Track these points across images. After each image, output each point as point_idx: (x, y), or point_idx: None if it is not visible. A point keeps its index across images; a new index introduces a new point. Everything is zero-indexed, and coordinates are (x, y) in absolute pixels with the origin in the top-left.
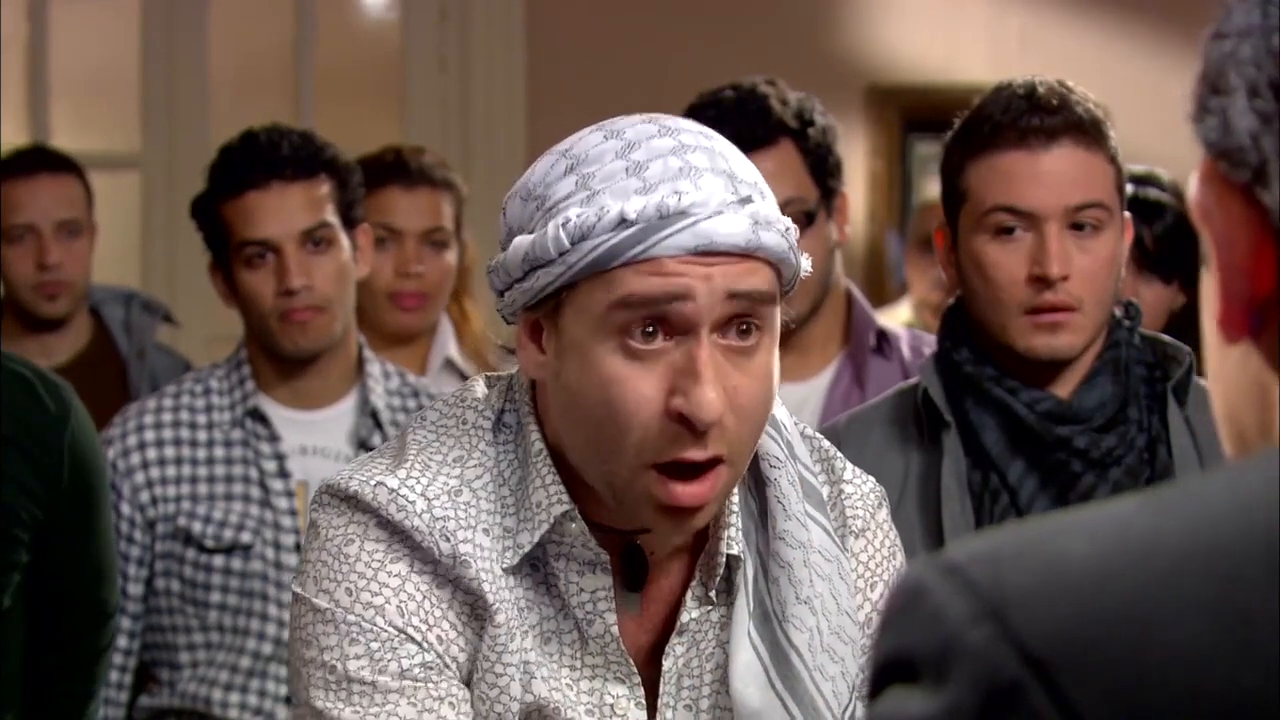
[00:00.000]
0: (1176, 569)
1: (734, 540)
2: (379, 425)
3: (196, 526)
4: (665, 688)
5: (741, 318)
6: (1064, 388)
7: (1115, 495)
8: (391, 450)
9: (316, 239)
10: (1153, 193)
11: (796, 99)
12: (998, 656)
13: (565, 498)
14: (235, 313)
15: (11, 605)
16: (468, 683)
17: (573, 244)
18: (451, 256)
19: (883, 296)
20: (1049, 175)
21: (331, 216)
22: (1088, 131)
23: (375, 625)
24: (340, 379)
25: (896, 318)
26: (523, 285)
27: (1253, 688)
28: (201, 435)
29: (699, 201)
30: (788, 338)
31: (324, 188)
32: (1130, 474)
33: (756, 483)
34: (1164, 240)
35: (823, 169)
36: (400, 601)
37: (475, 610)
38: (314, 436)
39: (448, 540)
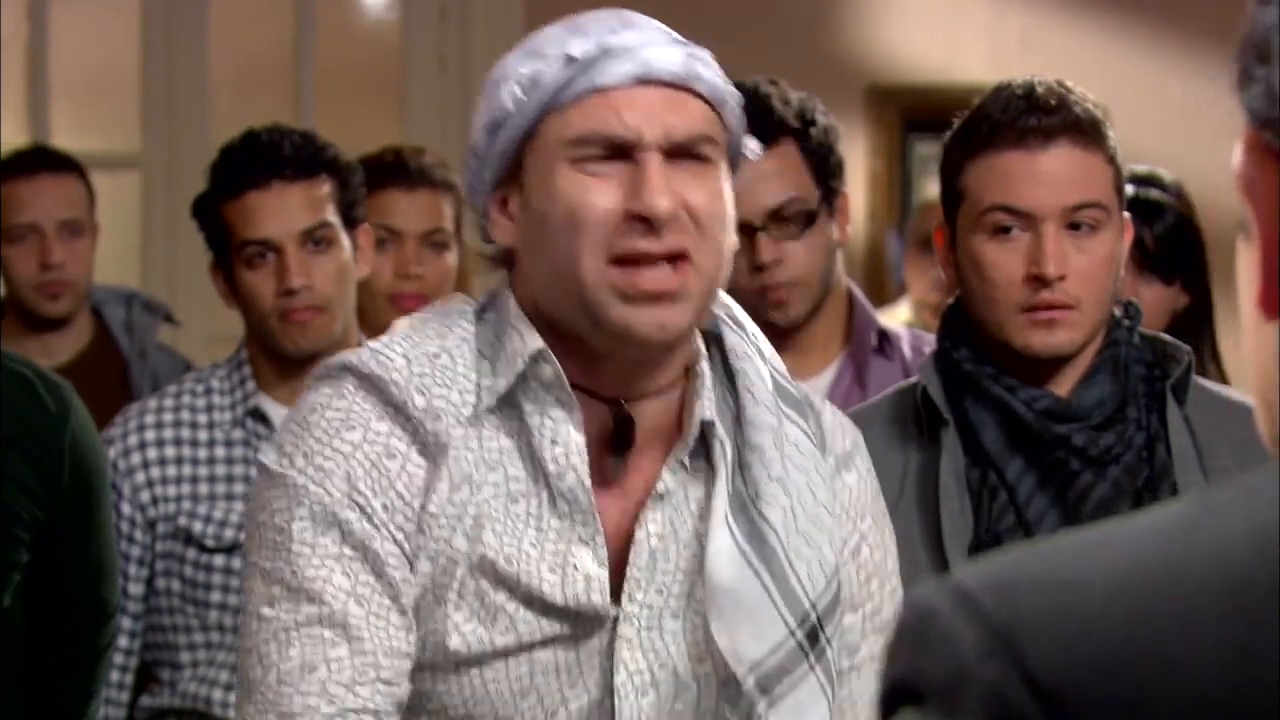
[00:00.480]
0: (1189, 604)
1: (708, 408)
2: None
3: (197, 526)
4: (635, 560)
5: (686, 148)
6: (1063, 386)
7: (1114, 494)
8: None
9: (317, 239)
10: (1154, 193)
11: (798, 99)
12: (1008, 689)
13: (538, 340)
14: (236, 313)
15: (12, 605)
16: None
17: (525, 94)
18: (452, 258)
19: (883, 296)
20: (1046, 175)
21: (332, 216)
22: (1085, 131)
23: (323, 488)
24: None
25: (896, 318)
26: (489, 153)
27: None
28: (202, 435)
29: (637, 38)
30: (789, 338)
31: (325, 188)
32: (1129, 472)
33: (729, 376)
34: (1165, 240)
35: (824, 169)
36: (349, 468)
37: (435, 475)
38: None
39: (423, 394)
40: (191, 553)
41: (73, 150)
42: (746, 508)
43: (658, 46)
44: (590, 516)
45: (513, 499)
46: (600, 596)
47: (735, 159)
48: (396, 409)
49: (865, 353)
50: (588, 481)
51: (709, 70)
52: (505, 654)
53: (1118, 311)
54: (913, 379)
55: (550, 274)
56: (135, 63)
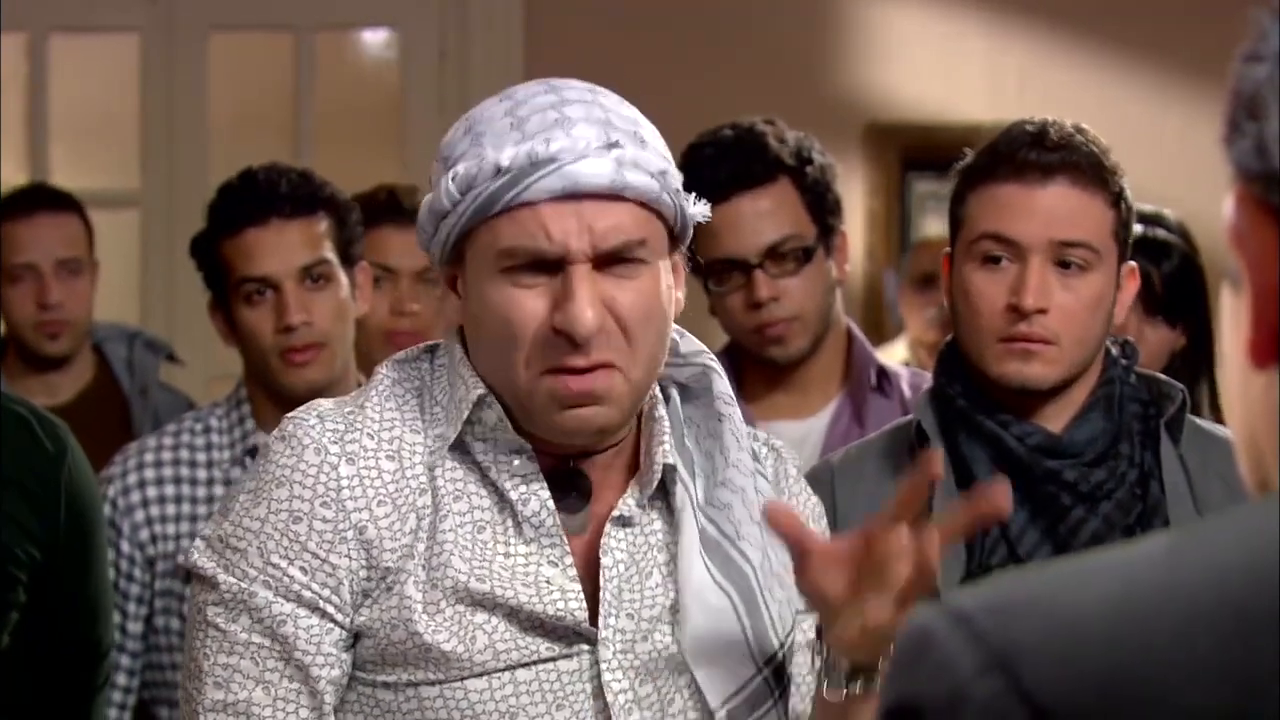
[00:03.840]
0: (1186, 626)
1: (668, 452)
2: None
3: None
4: (606, 585)
5: (615, 255)
6: (1056, 422)
7: (1106, 530)
8: None
9: (315, 276)
10: (1160, 233)
11: (795, 137)
12: (1004, 707)
13: (481, 385)
14: (234, 351)
15: (8, 645)
16: (365, 594)
17: (461, 194)
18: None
19: (881, 335)
20: (1039, 209)
21: (330, 253)
22: (1085, 172)
23: (233, 573)
24: None
25: (892, 356)
26: (436, 239)
27: None
28: (201, 474)
29: (566, 148)
30: (787, 375)
31: (322, 225)
32: (1121, 508)
33: (712, 418)
34: (1171, 281)
35: (821, 207)
36: (260, 543)
37: (376, 520)
38: None
39: (337, 443)
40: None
41: (72, 189)
42: (722, 545)
43: (586, 159)
44: (558, 539)
45: (479, 528)
46: (579, 611)
47: (682, 234)
48: (303, 471)
49: (864, 391)
50: (551, 504)
51: (639, 173)
52: (487, 673)
53: (1115, 350)
54: (908, 417)
55: (490, 367)
56: (135, 102)
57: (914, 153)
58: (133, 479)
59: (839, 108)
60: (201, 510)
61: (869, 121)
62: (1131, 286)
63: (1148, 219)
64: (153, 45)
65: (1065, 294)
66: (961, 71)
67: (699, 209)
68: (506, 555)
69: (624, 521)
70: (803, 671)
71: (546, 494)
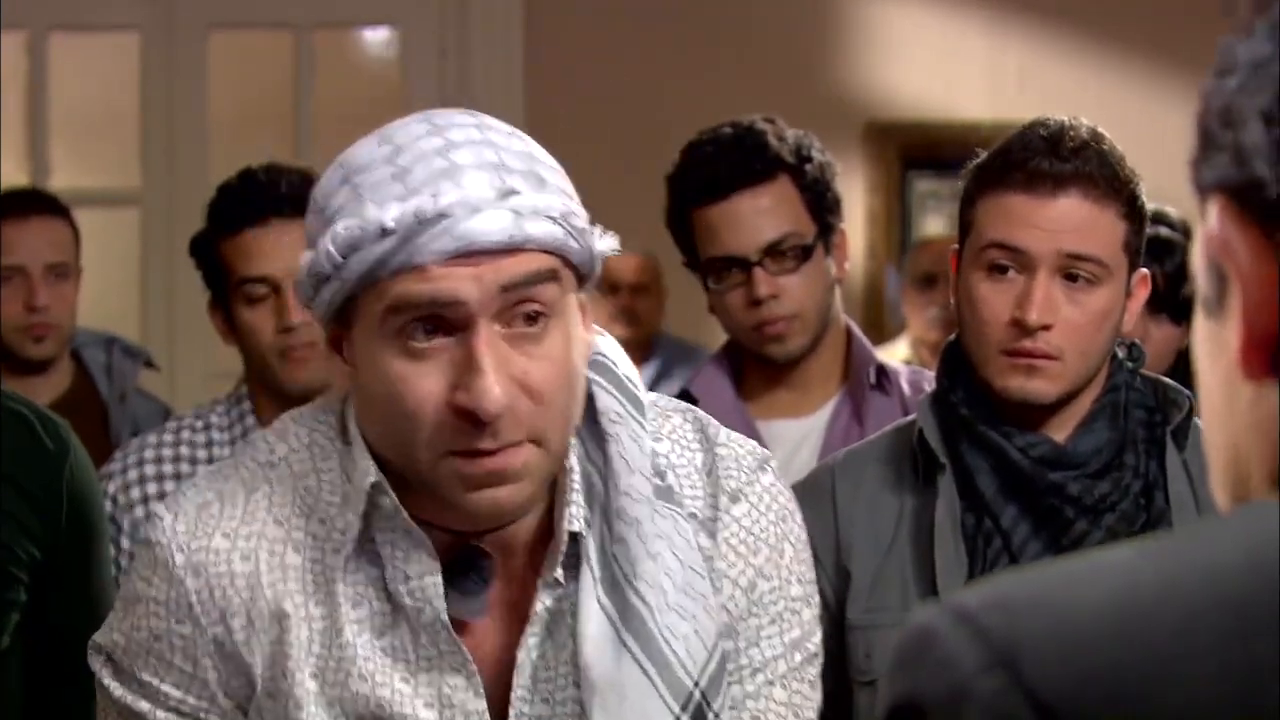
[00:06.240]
0: (1187, 623)
1: (575, 517)
2: None
3: None
4: (519, 681)
5: (521, 304)
6: (1061, 431)
7: (1109, 541)
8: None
9: None
10: (1163, 231)
11: (794, 135)
12: (1008, 706)
13: (374, 470)
14: (234, 350)
15: (10, 644)
16: (247, 699)
17: (344, 257)
18: None
19: (882, 333)
20: (1049, 221)
21: None
22: (1098, 184)
23: (119, 678)
24: None
25: (894, 355)
26: (316, 300)
27: None
28: (201, 471)
29: (457, 201)
30: (786, 373)
31: None
32: (1125, 520)
33: (597, 440)
34: (1175, 279)
35: (820, 205)
36: (130, 659)
37: (231, 631)
38: None
39: (183, 551)
40: None
41: (72, 187)
42: (620, 586)
43: (480, 213)
44: (456, 648)
45: (378, 633)
46: None
47: (589, 273)
48: (156, 585)
49: (863, 389)
50: (445, 615)
51: (540, 222)
52: None
53: (1120, 353)
54: (909, 418)
55: (384, 444)
56: (135, 100)
57: (914, 151)
58: (133, 475)
59: (839, 106)
60: None
61: (869, 120)
62: (1142, 293)
63: (1150, 217)
64: (153, 43)
65: (1071, 308)
66: (961, 70)
67: (607, 243)
68: (407, 663)
69: (541, 617)
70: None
71: (441, 602)
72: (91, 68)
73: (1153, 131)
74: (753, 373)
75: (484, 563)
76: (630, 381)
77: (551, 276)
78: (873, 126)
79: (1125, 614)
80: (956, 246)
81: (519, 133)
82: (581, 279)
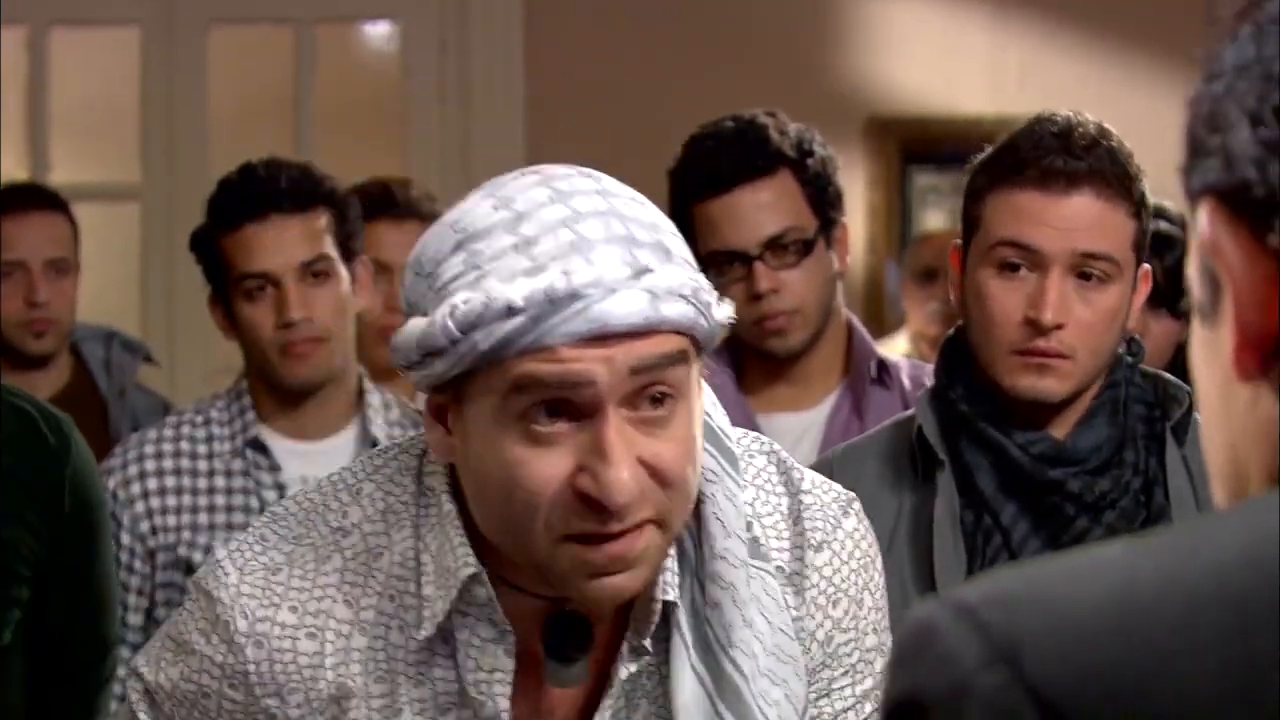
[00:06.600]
0: (1187, 619)
1: (669, 585)
2: None
3: (197, 556)
4: None
5: (650, 386)
6: (1061, 428)
7: (1109, 539)
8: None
9: (315, 271)
10: (1163, 225)
11: (795, 129)
12: (1010, 701)
13: (472, 560)
14: (234, 345)
15: (12, 641)
16: None
17: (463, 333)
18: None
19: (882, 327)
20: (1063, 220)
21: (330, 249)
22: (1111, 183)
23: (156, 715)
24: (341, 410)
25: (893, 349)
26: (421, 370)
27: None
28: (202, 465)
29: (591, 281)
30: (787, 367)
31: (322, 220)
32: (1124, 517)
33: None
34: (1174, 273)
35: (822, 199)
36: (173, 705)
37: (286, 707)
38: (314, 466)
39: (246, 617)
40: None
41: (72, 182)
42: (714, 652)
43: (616, 294)
44: None
45: (440, 711)
46: None
47: (710, 344)
48: (212, 645)
49: (864, 383)
50: (506, 715)
51: (674, 302)
52: None
53: (1120, 348)
54: (909, 412)
55: (493, 526)
56: (135, 95)
57: (914, 145)
58: (133, 470)
59: (840, 101)
60: (202, 501)
61: (870, 114)
62: (1145, 289)
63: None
64: (153, 38)
65: (1084, 308)
66: (962, 65)
67: (724, 311)
68: None
69: (620, 685)
70: None
71: (505, 702)
72: (92, 63)
73: (1153, 126)
74: (753, 366)
75: (582, 629)
76: (724, 434)
77: (682, 358)
78: (873, 121)
79: (1125, 609)
80: (958, 242)
81: (639, 196)
82: (702, 350)
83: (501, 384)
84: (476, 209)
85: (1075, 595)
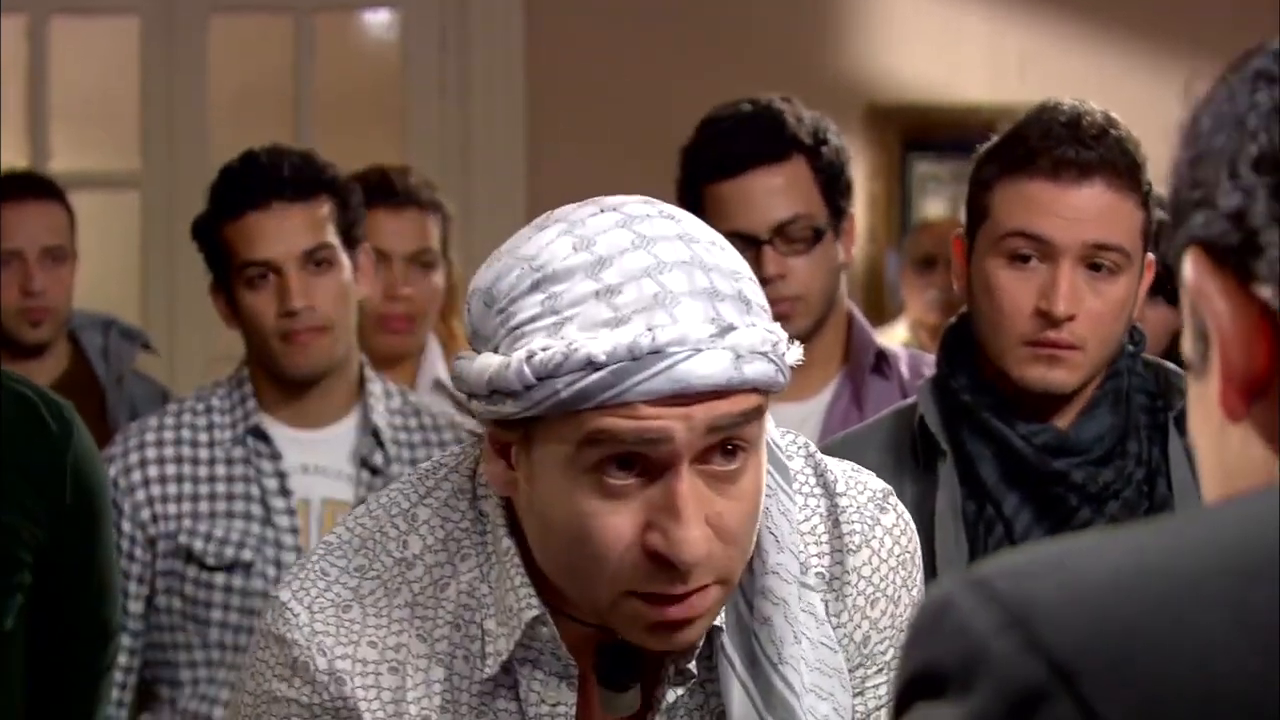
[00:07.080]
0: (1196, 577)
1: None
2: (380, 444)
3: (197, 544)
4: None
5: (725, 442)
6: (1064, 418)
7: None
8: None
9: (318, 259)
10: (1158, 213)
11: (811, 117)
12: (1023, 665)
13: (535, 601)
14: (235, 332)
15: (14, 627)
16: None
17: (539, 379)
18: (439, 277)
19: (882, 316)
20: (1073, 210)
21: (332, 237)
22: (1121, 173)
23: None
24: (342, 398)
25: (893, 338)
26: (488, 405)
27: (1259, 671)
28: (203, 453)
29: (675, 339)
30: None
31: (324, 208)
32: (1127, 507)
33: None
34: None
35: (834, 188)
36: None
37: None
38: (316, 455)
39: (325, 655)
40: (192, 570)
41: (72, 170)
42: (761, 666)
43: (700, 354)
44: None
45: None
46: None
47: (782, 389)
48: (296, 688)
49: (863, 372)
50: None
51: (756, 363)
52: None
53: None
54: (910, 401)
55: (555, 569)
56: (135, 84)
57: (914, 134)
58: (134, 458)
59: (839, 89)
60: (203, 489)
61: (869, 103)
62: (1149, 277)
63: None
64: (153, 27)
65: (1094, 299)
66: (962, 53)
67: (795, 354)
68: None
69: (666, 708)
70: None
71: None
72: (92, 51)
73: (1152, 115)
74: None
75: (637, 661)
76: (776, 446)
77: (758, 414)
78: (873, 109)
79: (1134, 573)
80: (961, 231)
81: (718, 239)
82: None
83: (575, 434)
84: (554, 246)
85: (1086, 564)
